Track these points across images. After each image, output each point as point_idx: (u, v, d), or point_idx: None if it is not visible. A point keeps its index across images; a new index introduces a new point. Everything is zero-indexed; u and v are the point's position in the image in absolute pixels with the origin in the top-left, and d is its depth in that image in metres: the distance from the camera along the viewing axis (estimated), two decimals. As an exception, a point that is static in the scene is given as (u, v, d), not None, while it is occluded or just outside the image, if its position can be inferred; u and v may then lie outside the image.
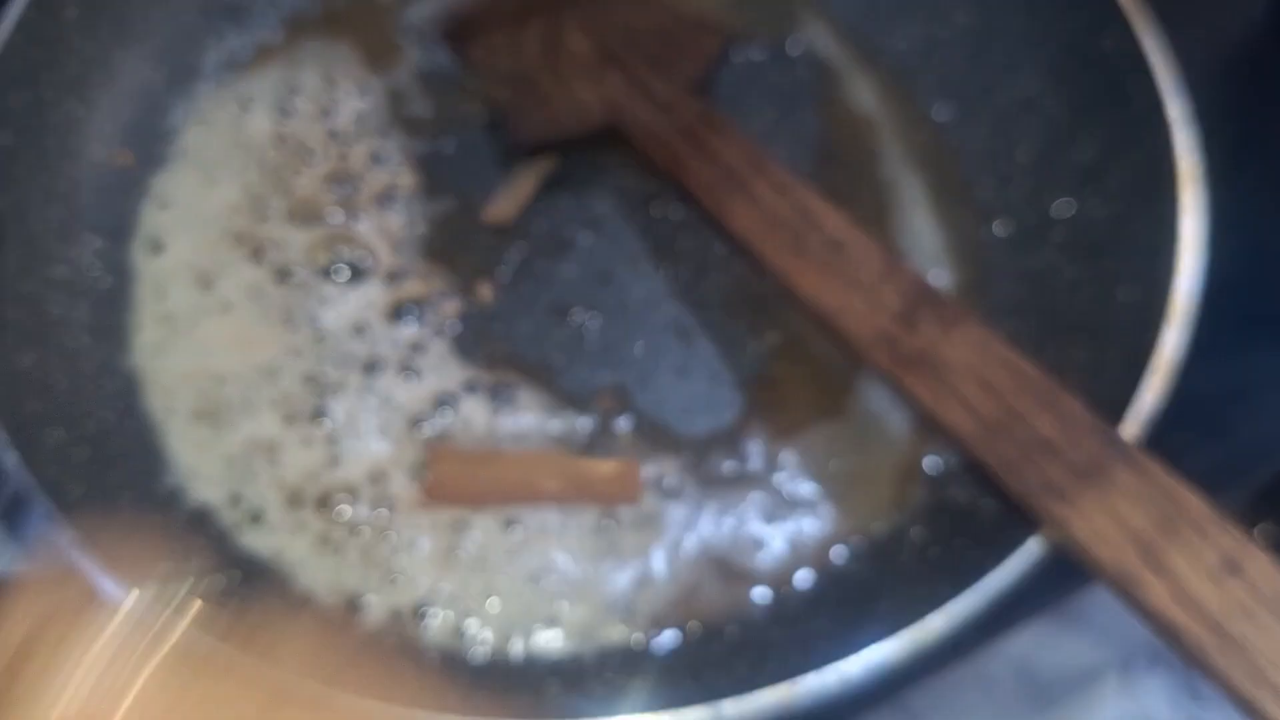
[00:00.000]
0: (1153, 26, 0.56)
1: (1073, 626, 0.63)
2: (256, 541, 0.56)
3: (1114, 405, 0.50)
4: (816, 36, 0.70)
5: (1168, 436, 0.63)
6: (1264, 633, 0.44)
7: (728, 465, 0.59)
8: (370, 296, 0.62)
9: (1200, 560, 0.45)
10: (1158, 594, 0.45)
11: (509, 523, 0.57)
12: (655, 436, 0.59)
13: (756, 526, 0.58)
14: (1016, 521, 0.50)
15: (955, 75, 0.67)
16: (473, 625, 0.55)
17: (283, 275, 0.62)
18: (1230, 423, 0.65)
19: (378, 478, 0.58)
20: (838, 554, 0.57)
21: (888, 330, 0.54)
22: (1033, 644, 0.60)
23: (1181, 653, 0.45)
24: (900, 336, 0.54)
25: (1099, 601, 0.61)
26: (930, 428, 0.57)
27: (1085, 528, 0.47)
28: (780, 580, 0.56)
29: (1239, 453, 0.65)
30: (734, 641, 0.55)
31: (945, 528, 0.56)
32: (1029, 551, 0.48)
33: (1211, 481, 0.64)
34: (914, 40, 0.69)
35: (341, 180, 0.65)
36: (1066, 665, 0.65)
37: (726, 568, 0.57)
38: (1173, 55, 0.56)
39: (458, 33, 0.70)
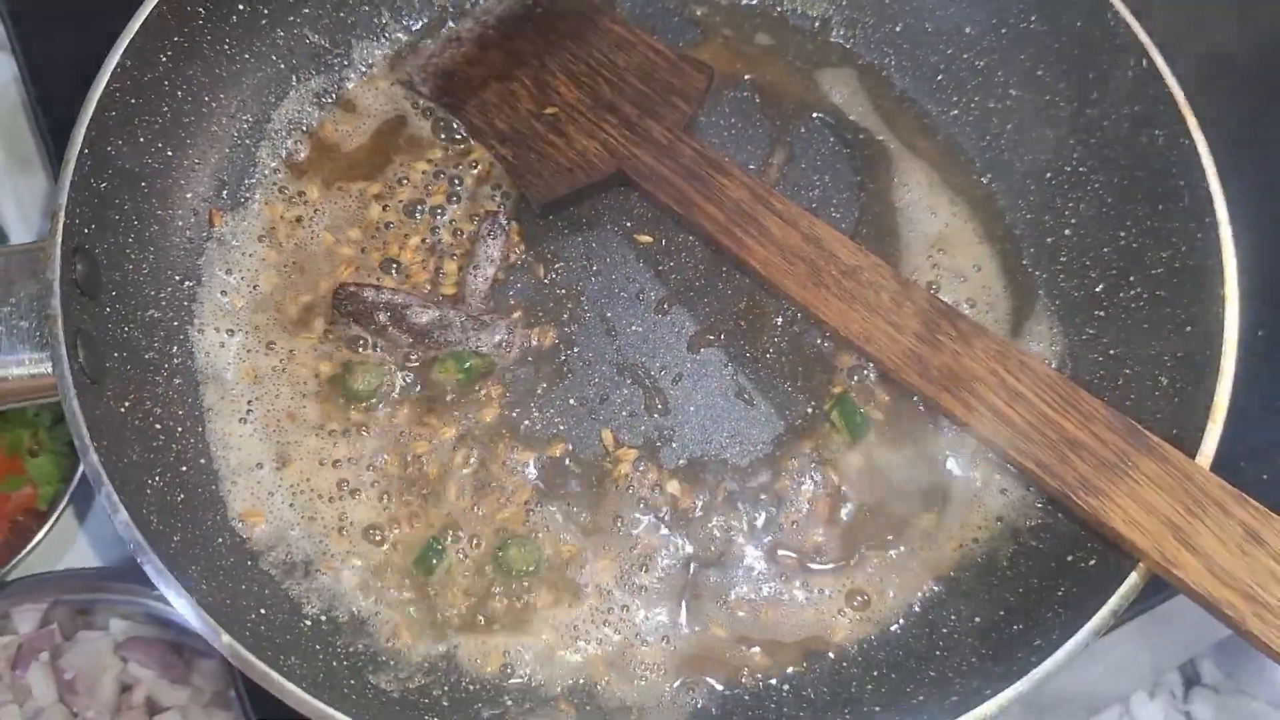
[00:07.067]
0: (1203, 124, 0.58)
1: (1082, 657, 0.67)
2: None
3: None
4: (871, 106, 0.72)
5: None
6: None
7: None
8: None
9: (1226, 535, 0.50)
10: (1194, 571, 0.50)
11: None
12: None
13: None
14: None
15: (1006, 146, 0.69)
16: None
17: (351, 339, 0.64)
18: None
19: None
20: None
21: (914, 350, 0.58)
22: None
23: (1224, 623, 0.50)
24: (927, 355, 0.58)
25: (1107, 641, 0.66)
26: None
27: (1121, 517, 0.52)
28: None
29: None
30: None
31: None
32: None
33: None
34: (968, 111, 0.71)
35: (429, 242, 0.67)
36: (1071, 691, 0.70)
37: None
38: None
39: (448, 92, 0.70)
